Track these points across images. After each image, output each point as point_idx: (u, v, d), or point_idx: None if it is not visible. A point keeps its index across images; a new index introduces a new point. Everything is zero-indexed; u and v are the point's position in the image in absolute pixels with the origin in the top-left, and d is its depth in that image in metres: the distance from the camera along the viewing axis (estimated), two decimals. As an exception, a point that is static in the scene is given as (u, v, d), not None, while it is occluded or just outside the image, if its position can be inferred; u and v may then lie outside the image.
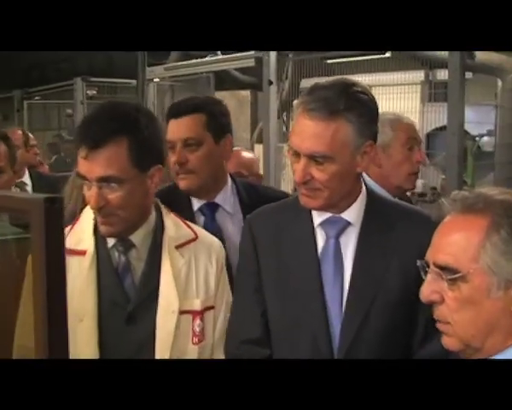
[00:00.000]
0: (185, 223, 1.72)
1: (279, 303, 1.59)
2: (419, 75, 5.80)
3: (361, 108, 1.47)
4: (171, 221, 1.67)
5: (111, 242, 1.60)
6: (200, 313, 1.63)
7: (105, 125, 1.50)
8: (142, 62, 5.28)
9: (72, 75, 6.69)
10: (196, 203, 2.02)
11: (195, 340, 1.61)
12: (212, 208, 2.02)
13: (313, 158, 1.46)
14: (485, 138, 4.86)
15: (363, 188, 1.60)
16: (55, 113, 8.94)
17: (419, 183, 4.25)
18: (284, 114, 5.24)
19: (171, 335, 1.57)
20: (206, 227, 1.95)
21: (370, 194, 1.61)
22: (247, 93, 5.86)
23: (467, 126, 4.95)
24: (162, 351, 1.56)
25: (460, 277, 1.12)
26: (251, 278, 1.63)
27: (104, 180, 1.50)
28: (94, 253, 1.57)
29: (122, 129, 1.51)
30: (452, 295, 1.13)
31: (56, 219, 0.79)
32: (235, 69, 5.57)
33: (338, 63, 5.00)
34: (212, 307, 1.66)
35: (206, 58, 4.99)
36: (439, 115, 4.31)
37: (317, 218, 1.57)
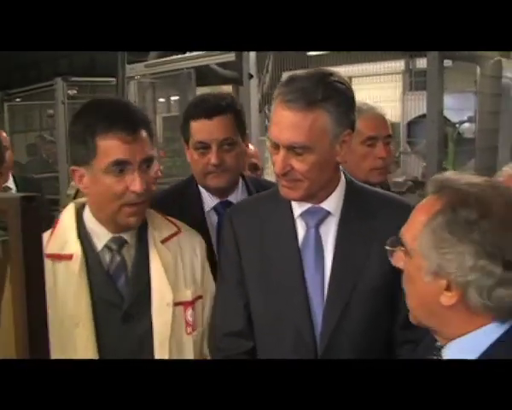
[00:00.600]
0: (166, 218, 1.73)
1: (262, 295, 1.60)
2: (400, 64, 5.84)
3: (338, 97, 1.48)
4: (154, 216, 1.69)
5: (102, 243, 1.59)
6: (192, 304, 1.65)
7: None
8: (122, 60, 5.25)
9: (52, 75, 6.64)
10: (210, 202, 2.01)
11: (189, 330, 1.64)
12: (225, 206, 2.00)
13: (292, 149, 1.47)
14: (466, 125, 4.89)
15: (342, 177, 1.61)
16: (36, 114, 8.86)
17: (400, 172, 4.29)
18: (266, 107, 5.24)
19: (169, 327, 1.58)
20: (220, 226, 1.95)
21: (349, 183, 1.62)
22: (228, 88, 5.84)
23: (447, 113, 4.99)
24: (161, 345, 1.57)
25: (406, 250, 1.15)
26: (233, 271, 1.64)
27: None
28: (82, 256, 1.56)
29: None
30: (404, 266, 1.17)
31: (34, 217, 0.79)
32: (217, 64, 5.55)
33: (319, 55, 5.01)
34: (200, 297, 1.69)
35: (187, 54, 4.98)
36: (419, 103, 4.33)
37: (297, 209, 1.58)
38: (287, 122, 1.46)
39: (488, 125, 3.98)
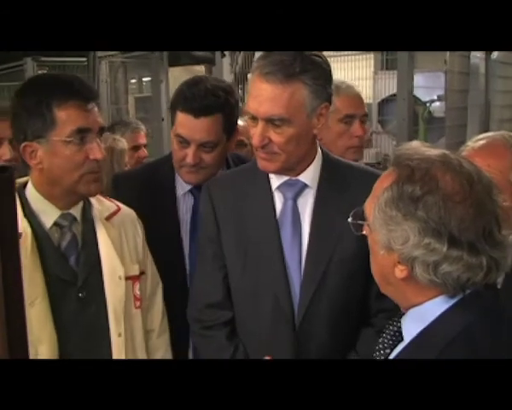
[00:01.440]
0: (105, 197, 1.75)
1: (240, 266, 1.63)
2: (371, 44, 5.86)
3: (316, 70, 1.50)
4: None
5: (50, 220, 1.58)
6: (139, 278, 1.69)
7: None
8: (93, 39, 5.19)
9: (21, 55, 6.50)
10: (185, 185, 1.97)
11: (137, 304, 1.68)
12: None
13: (271, 121, 1.49)
14: (436, 104, 4.96)
15: (319, 150, 1.64)
16: (5, 95, 8.69)
17: (373, 152, 4.33)
18: (239, 86, 5.23)
19: (123, 301, 1.62)
20: (196, 208, 1.93)
21: (325, 156, 1.65)
22: (201, 68, 5.81)
23: (418, 92, 5.05)
24: (116, 319, 1.60)
25: (368, 224, 1.16)
26: (212, 244, 1.67)
27: None
28: (31, 234, 1.54)
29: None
30: (368, 240, 1.19)
31: (7, 188, 0.79)
32: (189, 44, 5.52)
33: (291, 35, 4.99)
34: (143, 273, 1.73)
35: (159, 33, 4.92)
36: (391, 82, 4.37)
37: (275, 181, 1.61)
38: (265, 95, 1.48)
39: (457, 103, 4.05)
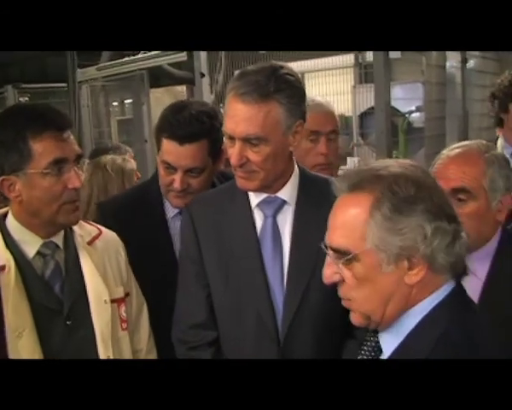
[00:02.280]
0: (85, 221, 1.77)
1: (222, 285, 1.65)
2: (350, 58, 5.94)
3: (290, 89, 1.54)
4: None
5: (33, 250, 1.58)
6: (124, 300, 1.70)
7: None
8: (72, 65, 5.20)
9: (2, 83, 6.50)
10: (174, 208, 1.98)
11: (124, 326, 1.69)
12: None
13: (248, 141, 1.52)
14: (415, 114, 5.02)
15: (296, 167, 1.67)
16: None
17: (354, 161, 4.36)
18: (220, 105, 5.26)
19: (109, 324, 1.62)
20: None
21: (302, 172, 1.68)
22: (182, 88, 5.84)
23: (397, 104, 5.10)
24: (104, 343, 1.61)
25: (352, 257, 1.14)
26: (193, 264, 1.69)
27: None
28: (14, 265, 1.54)
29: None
30: (349, 274, 1.15)
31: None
32: (170, 65, 5.54)
33: (270, 52, 5.05)
34: (128, 294, 1.74)
35: (139, 55, 4.96)
36: (370, 95, 4.43)
37: (254, 199, 1.64)
38: (241, 115, 1.51)
39: (435, 113, 4.10)
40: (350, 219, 1.15)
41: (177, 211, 1.98)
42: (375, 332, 1.22)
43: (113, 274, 1.70)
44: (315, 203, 1.61)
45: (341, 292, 1.20)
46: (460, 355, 1.06)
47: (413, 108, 5.01)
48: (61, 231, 1.62)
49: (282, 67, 1.56)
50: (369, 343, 1.23)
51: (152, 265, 1.84)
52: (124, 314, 1.69)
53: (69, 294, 1.60)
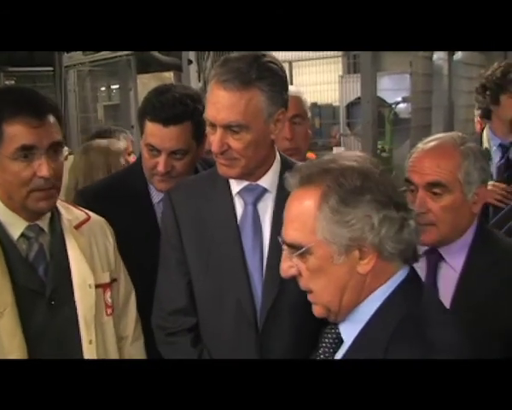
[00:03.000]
0: (74, 206, 1.76)
1: (203, 271, 1.65)
2: (339, 48, 5.93)
3: (272, 77, 1.53)
4: (62, 205, 1.71)
5: (18, 232, 1.58)
6: (109, 286, 1.70)
7: None
8: (59, 48, 5.17)
9: (-11, 67, 6.44)
10: (159, 193, 1.97)
11: (109, 311, 1.69)
12: None
13: (229, 128, 1.52)
14: (402, 105, 5.04)
15: (277, 155, 1.67)
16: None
17: (340, 151, 4.38)
18: (209, 92, 5.23)
19: (93, 309, 1.62)
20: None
21: (284, 161, 1.68)
22: (170, 74, 5.80)
23: (384, 94, 5.12)
24: (87, 327, 1.60)
25: (305, 251, 1.16)
26: (174, 250, 1.69)
27: None
28: None
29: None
30: (304, 267, 1.18)
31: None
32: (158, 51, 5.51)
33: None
34: (115, 280, 1.74)
35: (126, 40, 4.92)
36: (357, 85, 4.43)
37: (235, 186, 1.64)
38: (223, 102, 1.50)
39: (422, 104, 4.12)
40: (301, 214, 1.17)
41: (162, 196, 1.95)
42: (335, 324, 1.23)
43: (100, 259, 1.70)
44: None
45: (302, 285, 1.22)
46: (419, 337, 1.09)
47: (399, 98, 5.04)
48: (43, 215, 1.61)
49: (264, 55, 1.56)
50: (329, 335, 1.25)
51: (138, 250, 1.83)
52: (109, 300, 1.69)
53: (53, 277, 1.59)
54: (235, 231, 1.62)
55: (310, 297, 1.22)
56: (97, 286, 1.65)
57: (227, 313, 1.62)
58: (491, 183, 2.73)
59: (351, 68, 5.59)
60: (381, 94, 4.56)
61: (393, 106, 5.05)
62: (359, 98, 4.31)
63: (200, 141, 1.92)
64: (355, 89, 4.63)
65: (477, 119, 3.75)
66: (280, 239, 1.23)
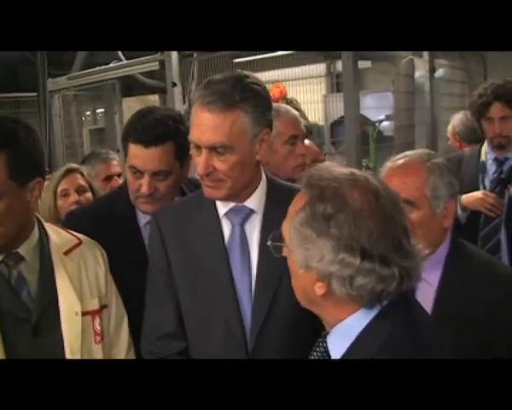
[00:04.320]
0: (65, 230, 1.76)
1: (191, 295, 1.65)
2: (322, 67, 6.00)
3: (255, 98, 1.55)
4: (53, 230, 1.71)
5: None
6: (99, 313, 1.69)
7: None
8: (43, 74, 5.16)
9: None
10: (146, 216, 1.98)
11: (98, 339, 1.67)
12: None
13: (214, 149, 1.53)
14: (385, 123, 5.09)
15: (263, 176, 1.68)
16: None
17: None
18: (194, 114, 5.25)
19: (79, 337, 1.61)
20: None
21: (270, 181, 1.70)
22: (155, 97, 5.82)
23: (367, 113, 5.17)
24: (72, 355, 1.59)
25: (286, 245, 1.19)
26: (161, 274, 1.68)
27: None
28: None
29: (0, 143, 1.49)
30: (288, 261, 1.21)
31: None
32: (142, 74, 5.54)
33: (244, 62, 5.08)
34: (105, 306, 1.72)
35: (110, 64, 4.94)
36: (341, 104, 4.48)
37: (222, 208, 1.64)
38: (207, 124, 1.51)
39: (405, 121, 4.17)
40: (289, 212, 1.19)
41: (149, 218, 1.97)
42: (323, 338, 1.23)
43: (90, 285, 1.69)
44: (282, 212, 1.59)
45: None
46: (405, 355, 1.08)
47: (383, 116, 5.09)
48: (19, 245, 1.60)
49: (247, 77, 1.58)
50: (317, 349, 1.25)
51: (125, 274, 1.81)
52: (98, 327, 1.67)
53: (38, 304, 1.58)
54: (222, 252, 1.62)
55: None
56: (85, 313, 1.64)
57: (216, 335, 1.62)
58: (482, 192, 2.83)
59: (334, 88, 5.66)
60: (364, 112, 4.60)
61: (377, 124, 5.10)
62: (342, 117, 4.36)
63: (183, 162, 1.93)
64: (339, 108, 4.68)
65: (450, 133, 3.86)
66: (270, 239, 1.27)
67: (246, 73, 1.61)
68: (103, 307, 1.71)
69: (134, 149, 1.88)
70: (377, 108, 5.25)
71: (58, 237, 1.68)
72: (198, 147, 1.55)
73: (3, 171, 1.49)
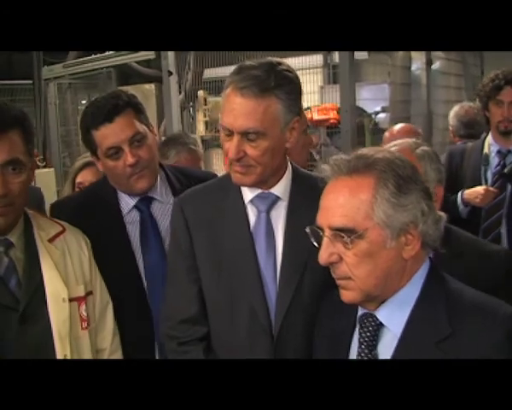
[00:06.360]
0: (49, 218, 1.77)
1: (215, 280, 1.65)
2: (319, 58, 5.98)
3: (288, 85, 1.55)
4: (37, 218, 1.71)
5: None
6: (84, 299, 1.70)
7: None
8: (38, 61, 5.14)
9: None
10: (130, 202, 1.99)
11: (84, 325, 1.69)
12: (146, 203, 2.00)
13: (246, 135, 1.53)
14: (381, 115, 5.10)
15: (289, 164, 1.69)
16: None
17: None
18: (190, 104, 5.25)
19: (67, 323, 1.62)
20: (143, 223, 1.97)
21: (295, 169, 1.71)
22: (151, 86, 5.80)
23: (364, 104, 5.17)
24: (61, 342, 1.60)
25: (358, 235, 1.22)
26: (184, 258, 1.68)
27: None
28: None
29: (16, 121, 1.55)
30: (351, 252, 1.24)
31: None
32: (139, 63, 5.51)
33: (242, 52, 5.06)
34: (91, 293, 1.74)
35: (106, 53, 4.92)
36: (337, 95, 4.48)
37: (248, 195, 1.65)
38: (241, 109, 1.51)
39: (401, 113, 4.18)
40: (353, 200, 1.23)
41: (131, 205, 1.98)
42: (369, 316, 1.30)
43: (75, 272, 1.69)
44: (307, 199, 1.62)
45: (339, 273, 1.27)
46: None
47: (379, 108, 5.09)
48: (13, 228, 1.60)
49: (280, 64, 1.57)
50: (366, 328, 1.30)
51: (107, 261, 1.82)
52: (84, 313, 1.68)
53: (25, 291, 1.58)
54: (248, 238, 1.63)
55: (345, 284, 1.27)
56: (72, 300, 1.65)
57: (240, 322, 1.62)
58: (483, 187, 2.87)
59: (331, 79, 5.64)
60: (360, 104, 4.60)
61: (373, 115, 5.10)
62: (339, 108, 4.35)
63: (148, 123, 1.96)
64: (335, 99, 4.67)
65: (450, 128, 3.86)
66: (312, 229, 1.31)
67: (278, 59, 1.60)
68: (88, 293, 1.72)
69: (101, 132, 1.88)
70: (373, 99, 5.26)
71: (42, 224, 1.69)
72: (229, 132, 1.54)
73: (21, 145, 1.56)
